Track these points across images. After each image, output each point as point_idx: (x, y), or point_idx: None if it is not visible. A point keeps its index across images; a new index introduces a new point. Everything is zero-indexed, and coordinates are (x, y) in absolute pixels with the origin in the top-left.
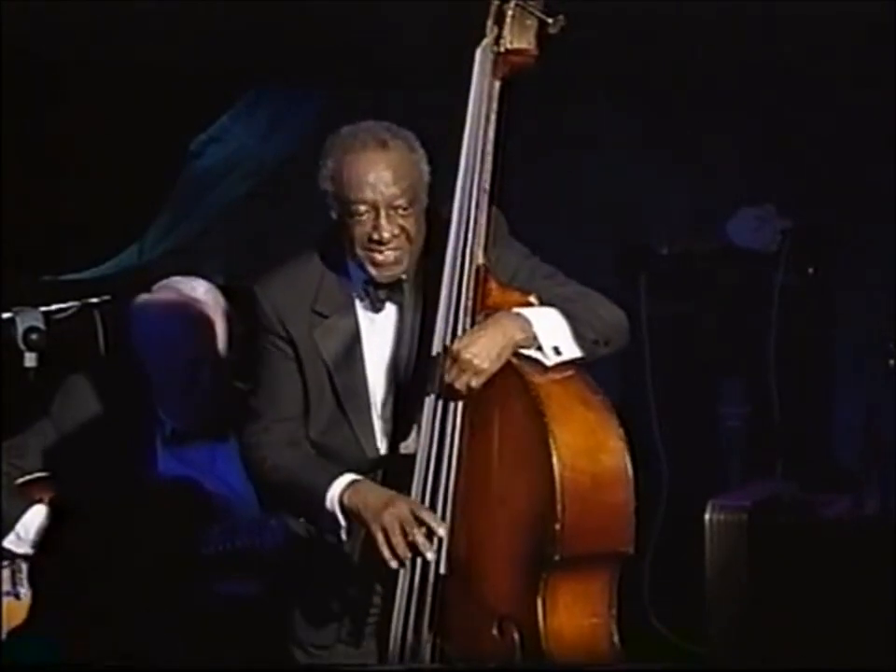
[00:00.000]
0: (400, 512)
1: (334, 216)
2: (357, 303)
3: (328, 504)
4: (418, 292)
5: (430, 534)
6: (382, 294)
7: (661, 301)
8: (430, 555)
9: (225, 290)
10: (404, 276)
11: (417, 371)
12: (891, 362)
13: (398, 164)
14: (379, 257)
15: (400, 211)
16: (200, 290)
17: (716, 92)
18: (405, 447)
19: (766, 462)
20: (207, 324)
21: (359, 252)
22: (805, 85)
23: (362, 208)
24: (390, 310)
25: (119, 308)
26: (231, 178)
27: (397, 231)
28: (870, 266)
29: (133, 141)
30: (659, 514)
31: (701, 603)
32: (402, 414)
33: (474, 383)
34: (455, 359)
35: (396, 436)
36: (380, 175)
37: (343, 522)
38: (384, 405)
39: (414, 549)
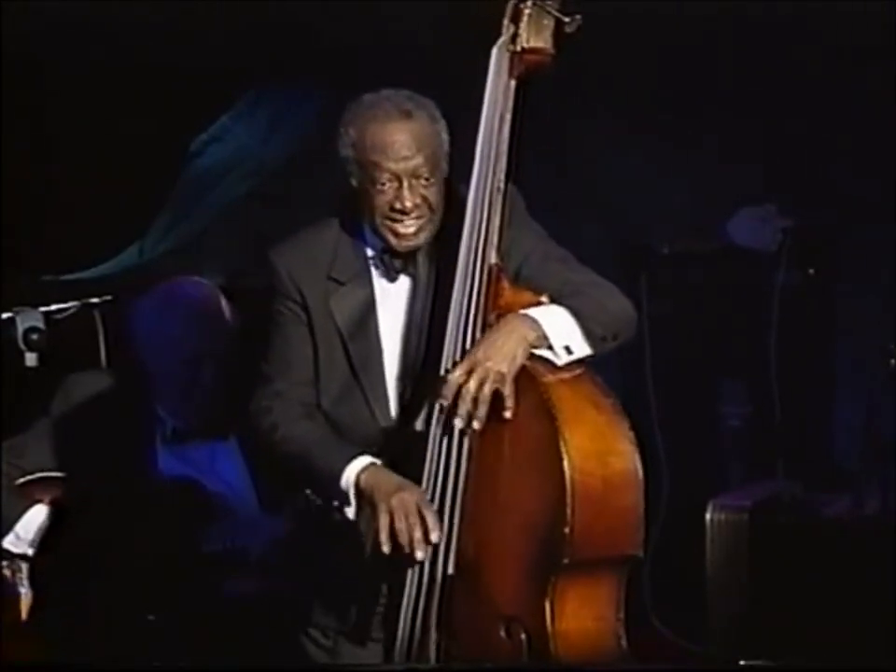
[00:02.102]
0: (408, 500)
1: (354, 183)
2: (373, 271)
3: (342, 483)
4: (432, 264)
5: (427, 535)
6: (398, 264)
7: (661, 300)
8: (420, 554)
9: (225, 290)
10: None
11: (430, 349)
12: (892, 362)
13: (420, 134)
14: (400, 227)
15: (423, 181)
16: (200, 289)
17: (716, 92)
18: (419, 424)
19: (767, 462)
20: (208, 322)
21: (381, 221)
22: (805, 85)
23: (385, 177)
24: (404, 280)
25: (119, 308)
26: (231, 178)
27: (419, 201)
28: (871, 266)
29: (133, 141)
30: (659, 514)
31: (701, 603)
32: (416, 388)
33: (506, 390)
34: (472, 370)
35: (409, 409)
36: (404, 145)
37: (353, 502)
38: (399, 376)
39: (411, 541)
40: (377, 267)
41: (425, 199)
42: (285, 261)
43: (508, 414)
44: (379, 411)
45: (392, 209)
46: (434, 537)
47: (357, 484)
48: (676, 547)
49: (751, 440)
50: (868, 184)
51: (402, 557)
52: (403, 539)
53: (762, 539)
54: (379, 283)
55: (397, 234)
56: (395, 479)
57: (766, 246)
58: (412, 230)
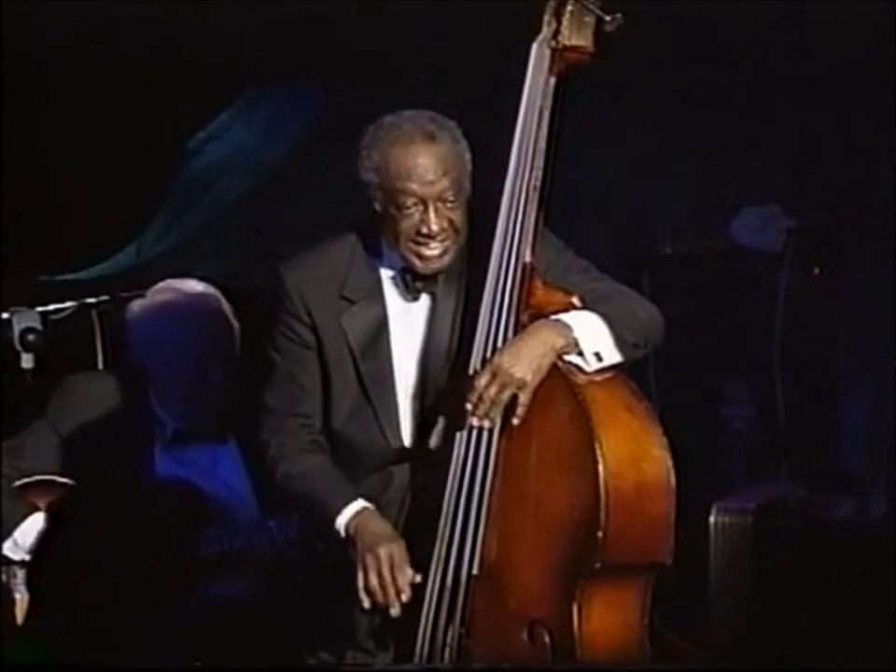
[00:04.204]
0: (382, 559)
1: (378, 207)
2: (388, 290)
3: (337, 527)
4: (453, 283)
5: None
6: (419, 284)
7: (665, 301)
8: (394, 612)
9: (225, 290)
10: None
11: (448, 365)
12: None
13: (445, 157)
14: (426, 251)
15: (448, 204)
16: (204, 291)
17: (719, 91)
18: (434, 440)
19: (771, 464)
20: (215, 324)
21: (406, 245)
22: (808, 83)
23: (410, 201)
24: (423, 300)
25: (116, 308)
26: (230, 177)
27: (445, 225)
28: (876, 266)
29: (132, 140)
30: None
31: (705, 605)
32: (430, 407)
33: (522, 398)
34: (496, 374)
35: (422, 428)
36: (429, 169)
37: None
38: (411, 396)
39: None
40: (396, 286)
41: (451, 222)
42: (295, 279)
43: (516, 421)
44: (389, 430)
45: (418, 233)
46: (403, 597)
47: (347, 531)
48: (679, 549)
49: (755, 441)
50: (872, 183)
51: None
52: (377, 598)
53: (766, 541)
54: (393, 302)
55: (421, 257)
56: (377, 531)
57: (770, 247)
58: (437, 252)
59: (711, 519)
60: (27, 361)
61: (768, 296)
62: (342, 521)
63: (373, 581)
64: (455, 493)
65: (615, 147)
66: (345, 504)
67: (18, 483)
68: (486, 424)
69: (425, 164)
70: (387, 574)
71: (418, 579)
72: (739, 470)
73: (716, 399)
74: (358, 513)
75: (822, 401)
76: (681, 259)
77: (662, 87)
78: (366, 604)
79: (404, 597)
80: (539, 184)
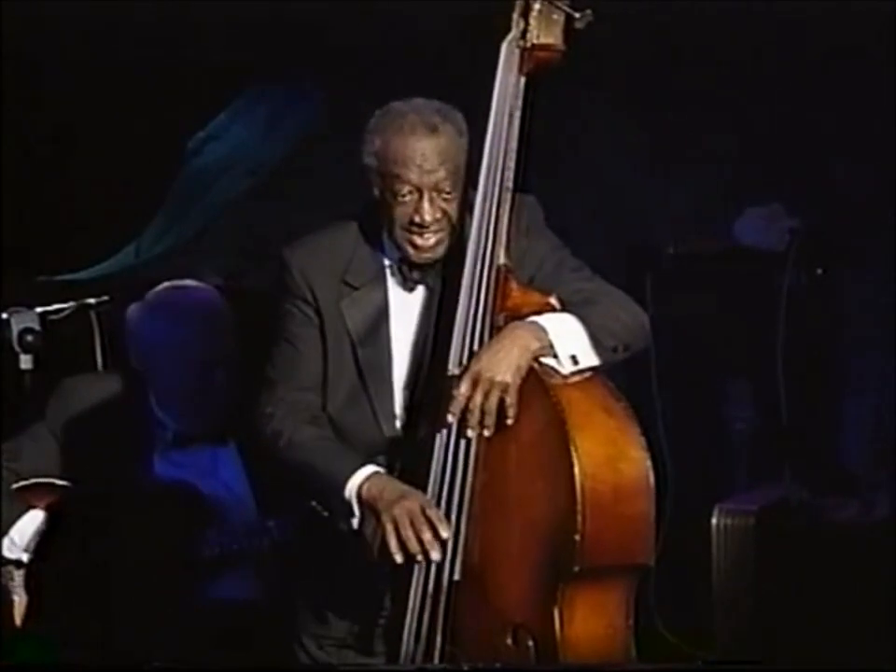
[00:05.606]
0: (411, 507)
1: (376, 192)
2: (389, 279)
3: (346, 494)
4: (451, 275)
5: (437, 534)
6: (416, 274)
7: (667, 301)
8: (435, 555)
9: (225, 290)
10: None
11: (436, 354)
12: None
13: (445, 148)
14: (419, 240)
15: (444, 195)
16: (204, 291)
17: (722, 91)
18: (423, 431)
19: (774, 465)
20: (215, 325)
21: (400, 233)
22: (812, 83)
23: (406, 189)
24: (421, 290)
25: (115, 309)
26: (230, 177)
27: (439, 215)
28: (878, 266)
29: (131, 139)
30: (665, 518)
31: (708, 607)
32: (424, 398)
33: (509, 399)
34: (477, 381)
35: (415, 416)
36: (427, 159)
37: (357, 512)
38: (406, 385)
39: (422, 546)
40: (394, 275)
41: (445, 213)
42: (298, 260)
43: (509, 422)
44: (383, 418)
45: (411, 222)
46: (444, 534)
47: (359, 495)
48: (682, 551)
49: (758, 442)
50: (875, 183)
51: (414, 564)
52: (413, 547)
53: (768, 543)
54: (394, 291)
55: (415, 246)
56: (397, 487)
57: (773, 247)
58: (430, 242)
59: (713, 520)
60: (25, 362)
61: (771, 296)
62: (353, 483)
63: (406, 530)
64: (435, 498)
65: (617, 147)
66: (356, 469)
67: (16, 485)
68: (486, 433)
69: (423, 154)
70: (420, 520)
71: (445, 535)
72: (741, 472)
73: (718, 400)
74: (371, 476)
75: (825, 402)
76: (684, 258)
77: (663, 86)
78: (399, 558)
79: (444, 534)
80: (511, 185)
